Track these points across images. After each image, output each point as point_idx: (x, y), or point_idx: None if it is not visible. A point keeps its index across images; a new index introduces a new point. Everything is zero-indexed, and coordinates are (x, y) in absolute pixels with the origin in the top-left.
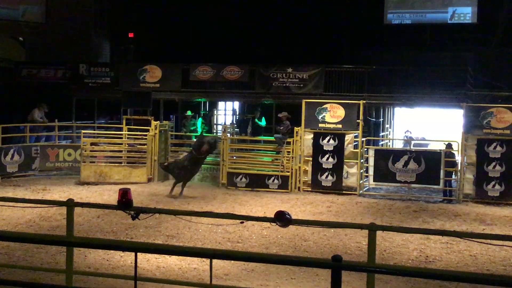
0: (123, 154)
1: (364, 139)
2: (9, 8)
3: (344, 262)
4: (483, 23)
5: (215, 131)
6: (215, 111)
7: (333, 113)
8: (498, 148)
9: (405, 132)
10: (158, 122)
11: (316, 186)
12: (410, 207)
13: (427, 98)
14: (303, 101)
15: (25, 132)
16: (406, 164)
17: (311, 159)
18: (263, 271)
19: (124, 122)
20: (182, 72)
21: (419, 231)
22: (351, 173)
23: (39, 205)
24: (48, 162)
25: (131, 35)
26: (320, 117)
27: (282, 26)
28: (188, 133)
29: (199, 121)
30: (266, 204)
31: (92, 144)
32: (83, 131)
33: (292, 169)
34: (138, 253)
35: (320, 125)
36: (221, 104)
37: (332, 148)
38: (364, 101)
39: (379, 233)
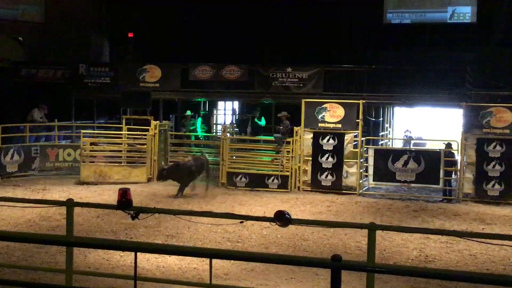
0: (123, 154)
1: (363, 138)
2: (8, 8)
3: (344, 261)
4: (482, 23)
5: (214, 131)
6: (215, 111)
7: (332, 113)
8: (498, 147)
9: (404, 132)
10: (157, 122)
11: (315, 186)
12: (409, 207)
13: (426, 98)
14: (303, 100)
15: (25, 132)
16: (405, 163)
17: (310, 158)
18: (263, 271)
19: (123, 122)
20: (181, 72)
21: (418, 230)
22: (351, 173)
23: (39, 205)
24: (47, 162)
25: (130, 35)
26: (319, 116)
27: (282, 25)
28: (187, 133)
29: (199, 121)
30: (266, 203)
31: (91, 144)
32: (82, 131)
33: (291, 168)
34: (138, 253)
35: (319, 124)
36: (220, 104)
37: (331, 148)
38: (364, 101)
39: (378, 232)
